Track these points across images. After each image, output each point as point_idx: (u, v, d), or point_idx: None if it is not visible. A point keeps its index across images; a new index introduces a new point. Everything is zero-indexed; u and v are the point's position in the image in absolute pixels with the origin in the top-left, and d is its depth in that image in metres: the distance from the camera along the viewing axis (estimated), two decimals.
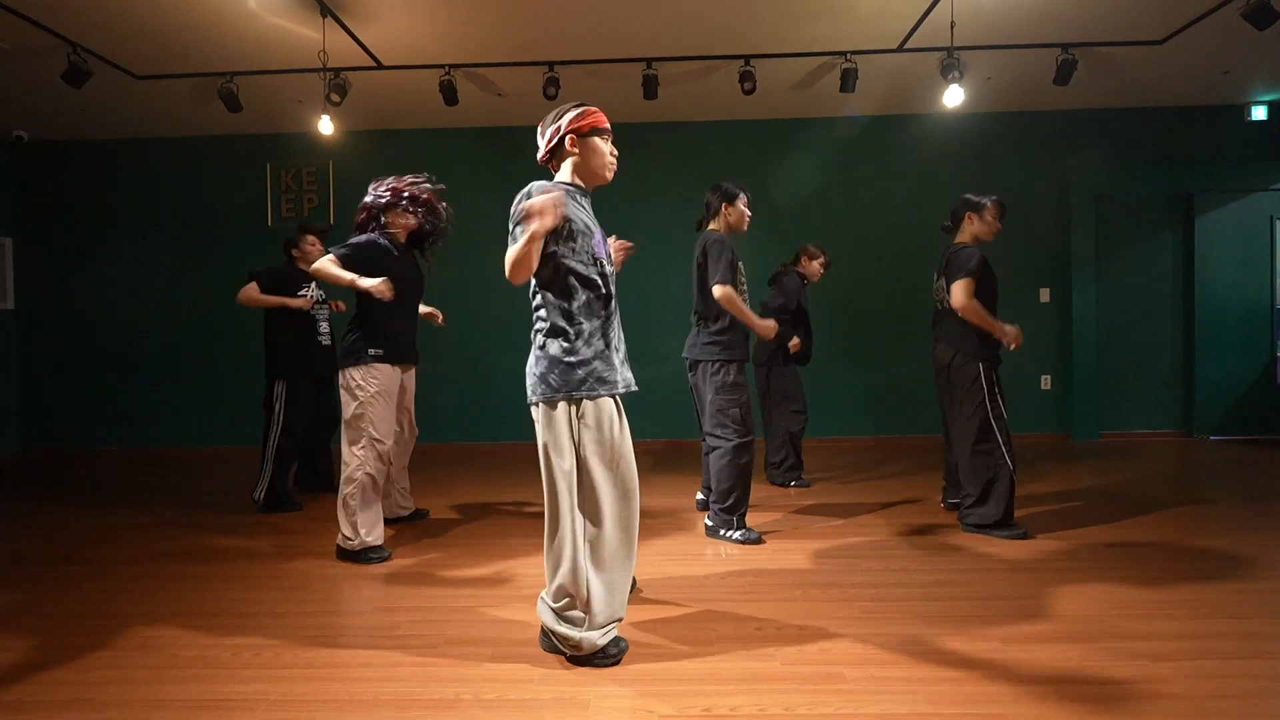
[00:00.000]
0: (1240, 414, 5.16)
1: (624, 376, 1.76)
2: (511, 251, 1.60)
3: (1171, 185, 5.20)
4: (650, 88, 4.28)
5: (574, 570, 1.65)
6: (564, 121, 1.77)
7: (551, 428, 1.66)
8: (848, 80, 4.23)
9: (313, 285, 3.46)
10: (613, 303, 1.76)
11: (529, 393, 1.71)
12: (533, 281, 1.72)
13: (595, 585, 1.65)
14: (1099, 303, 5.20)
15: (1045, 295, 5.29)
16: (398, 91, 4.67)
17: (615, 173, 1.82)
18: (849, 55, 4.20)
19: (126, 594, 2.25)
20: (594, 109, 1.79)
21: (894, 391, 5.24)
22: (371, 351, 2.55)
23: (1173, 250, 5.27)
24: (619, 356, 1.76)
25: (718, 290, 2.61)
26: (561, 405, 1.66)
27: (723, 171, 5.33)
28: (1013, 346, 2.68)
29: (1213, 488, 3.57)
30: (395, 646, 1.83)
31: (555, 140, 1.78)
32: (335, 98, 4.21)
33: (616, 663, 1.68)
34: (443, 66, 4.27)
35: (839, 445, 5.10)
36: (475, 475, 4.22)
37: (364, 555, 2.51)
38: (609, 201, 5.09)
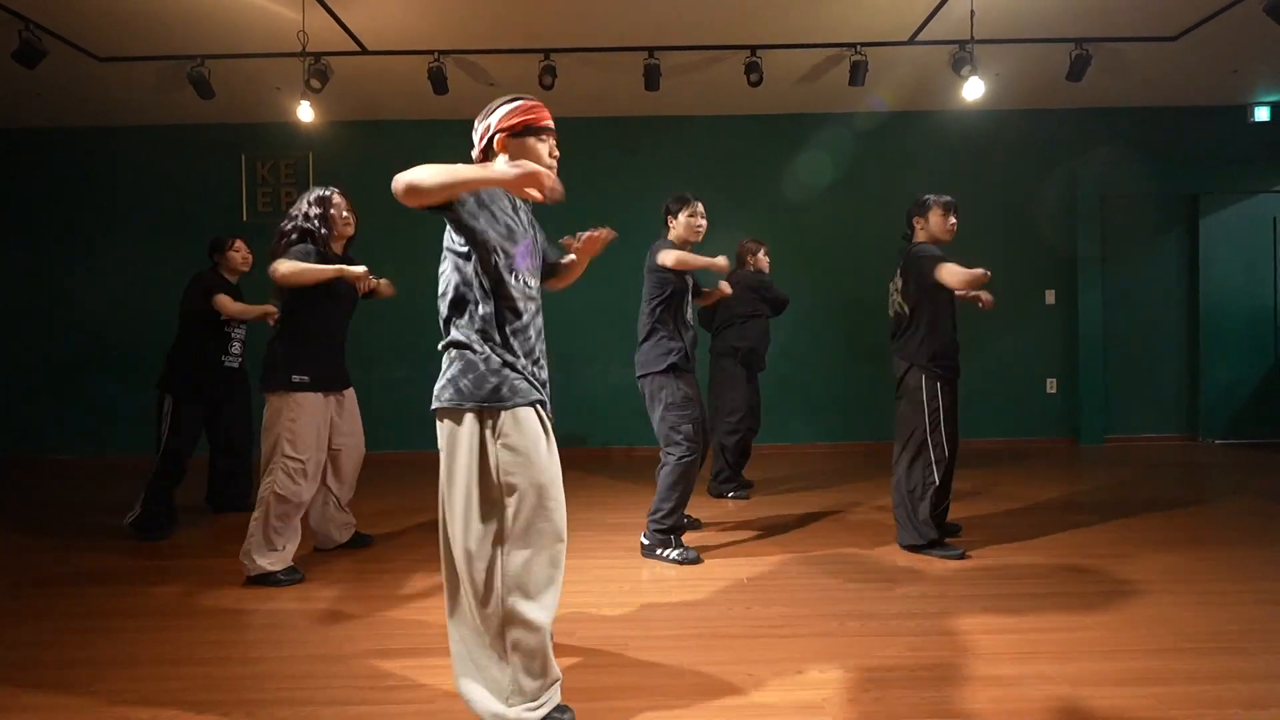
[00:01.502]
0: (1245, 418, 5.10)
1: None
2: (446, 171, 1.30)
3: (1176, 185, 5.13)
4: (652, 78, 4.07)
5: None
6: (494, 118, 1.51)
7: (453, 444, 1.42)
8: (857, 73, 4.06)
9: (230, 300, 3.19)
10: (523, 311, 1.50)
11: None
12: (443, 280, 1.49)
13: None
14: (1104, 305, 5.11)
15: (1051, 297, 5.18)
16: (382, 79, 4.40)
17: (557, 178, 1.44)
18: (858, 47, 4.04)
19: None
20: (533, 103, 1.53)
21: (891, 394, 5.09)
22: (295, 379, 2.38)
23: (1177, 251, 5.20)
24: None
25: (667, 256, 2.56)
26: (469, 416, 1.41)
27: (725, 168, 5.17)
28: (981, 300, 2.56)
29: (1229, 497, 3.46)
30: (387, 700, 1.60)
31: (485, 140, 1.52)
32: (315, 84, 3.93)
33: None
34: (432, 53, 4.02)
35: (843, 450, 4.94)
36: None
37: (268, 579, 2.34)
38: (605, 199, 4.93)
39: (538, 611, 1.39)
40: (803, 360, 5.05)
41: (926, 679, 1.64)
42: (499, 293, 1.45)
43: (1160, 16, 3.75)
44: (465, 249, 1.44)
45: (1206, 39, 3.99)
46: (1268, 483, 3.76)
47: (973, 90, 3.68)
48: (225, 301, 3.10)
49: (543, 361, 1.54)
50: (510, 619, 1.37)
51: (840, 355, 5.08)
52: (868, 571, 2.41)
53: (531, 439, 1.40)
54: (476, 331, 1.44)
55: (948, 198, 2.66)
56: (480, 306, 1.44)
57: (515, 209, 1.54)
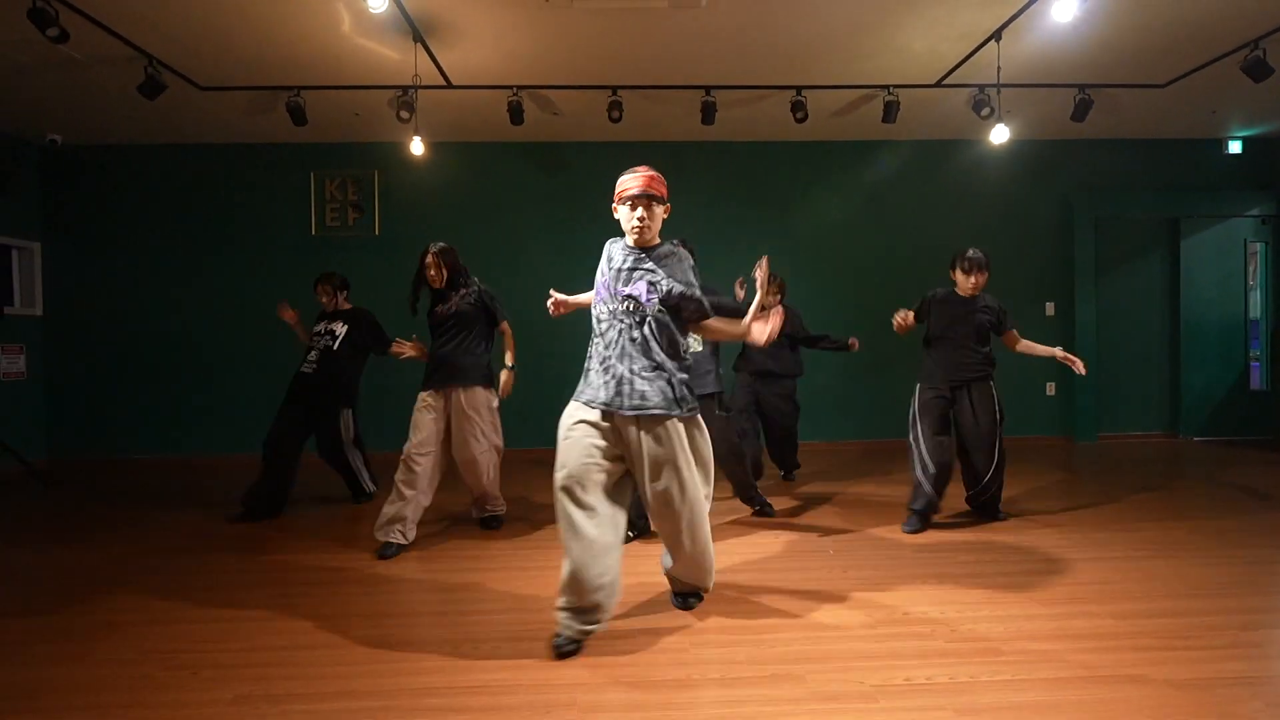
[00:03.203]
0: (1219, 417, 5.74)
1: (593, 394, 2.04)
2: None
3: (1161, 210, 5.75)
4: (709, 114, 4.54)
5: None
6: (616, 188, 2.09)
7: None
8: (890, 112, 4.57)
9: (324, 324, 3.74)
10: (597, 333, 2.09)
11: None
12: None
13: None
14: (1098, 316, 5.71)
15: (1050, 309, 5.77)
16: (458, 109, 4.80)
17: (642, 229, 2.03)
18: (891, 88, 4.55)
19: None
20: (630, 178, 2.04)
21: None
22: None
23: (1161, 269, 5.83)
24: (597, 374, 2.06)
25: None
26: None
27: (763, 188, 5.67)
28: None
29: (1206, 485, 4.04)
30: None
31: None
32: (405, 115, 4.32)
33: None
34: (510, 88, 4.44)
35: (875, 446, 5.46)
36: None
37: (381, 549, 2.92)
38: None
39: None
40: (834, 366, 5.56)
41: (1004, 616, 2.14)
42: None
43: (1153, 67, 4.33)
44: None
45: (1191, 86, 4.58)
46: (1238, 472, 4.37)
47: (998, 135, 4.21)
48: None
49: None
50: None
51: (870, 360, 5.58)
52: (927, 543, 2.91)
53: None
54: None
55: (970, 254, 3.19)
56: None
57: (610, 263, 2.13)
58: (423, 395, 3.10)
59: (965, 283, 3.21)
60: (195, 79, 4.29)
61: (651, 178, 2.03)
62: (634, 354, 1.99)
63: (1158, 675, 1.77)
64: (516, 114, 4.49)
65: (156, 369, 5.43)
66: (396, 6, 3.39)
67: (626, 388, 1.97)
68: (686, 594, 2.25)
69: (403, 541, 2.92)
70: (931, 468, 3.08)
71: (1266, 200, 5.70)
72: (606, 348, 2.03)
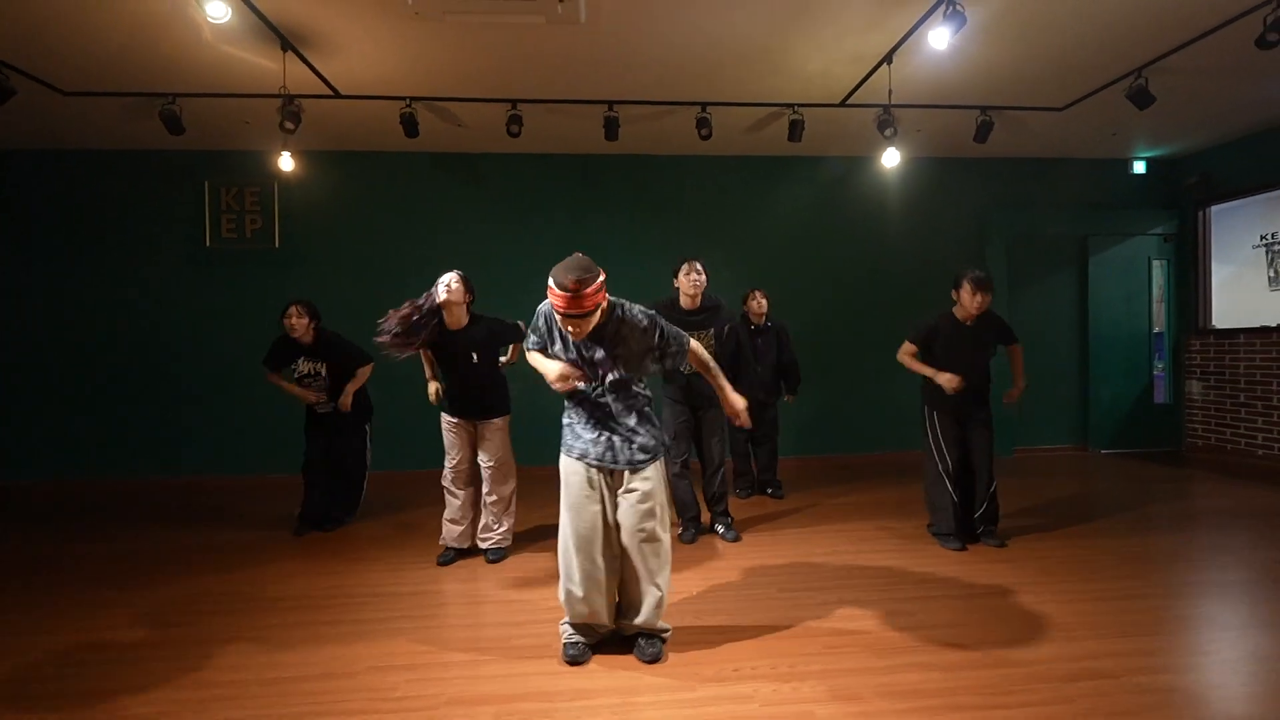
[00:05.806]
0: (1127, 430, 5.88)
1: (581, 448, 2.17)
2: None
3: (1070, 228, 5.86)
4: (612, 129, 4.43)
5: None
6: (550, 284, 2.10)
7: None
8: (795, 130, 4.53)
9: (301, 359, 3.63)
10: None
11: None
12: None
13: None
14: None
15: None
16: (353, 119, 4.60)
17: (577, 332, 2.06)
18: (796, 107, 4.51)
19: None
20: (559, 300, 1.98)
21: (842, 413, 5.61)
22: (444, 402, 3.20)
23: (1070, 286, 5.94)
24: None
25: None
26: None
27: (675, 202, 5.58)
28: (949, 388, 3.14)
29: (1113, 500, 4.11)
30: (394, 710, 1.90)
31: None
32: (290, 125, 4.10)
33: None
34: (404, 99, 4.26)
35: (805, 464, 5.42)
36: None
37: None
38: (571, 229, 5.26)
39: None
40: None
41: (836, 670, 2.07)
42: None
43: (1049, 91, 4.37)
44: None
45: (1089, 109, 4.65)
46: (1137, 489, 4.44)
47: (890, 159, 4.21)
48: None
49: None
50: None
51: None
52: (788, 582, 2.84)
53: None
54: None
55: (977, 273, 3.16)
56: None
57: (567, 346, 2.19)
58: (447, 417, 3.19)
59: (972, 302, 3.17)
60: (55, 83, 4.00)
61: (581, 299, 1.96)
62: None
63: None
64: (410, 126, 4.31)
65: (32, 391, 5.08)
66: (254, 15, 3.19)
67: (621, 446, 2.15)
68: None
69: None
70: (952, 490, 3.22)
71: (1169, 219, 5.85)
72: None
